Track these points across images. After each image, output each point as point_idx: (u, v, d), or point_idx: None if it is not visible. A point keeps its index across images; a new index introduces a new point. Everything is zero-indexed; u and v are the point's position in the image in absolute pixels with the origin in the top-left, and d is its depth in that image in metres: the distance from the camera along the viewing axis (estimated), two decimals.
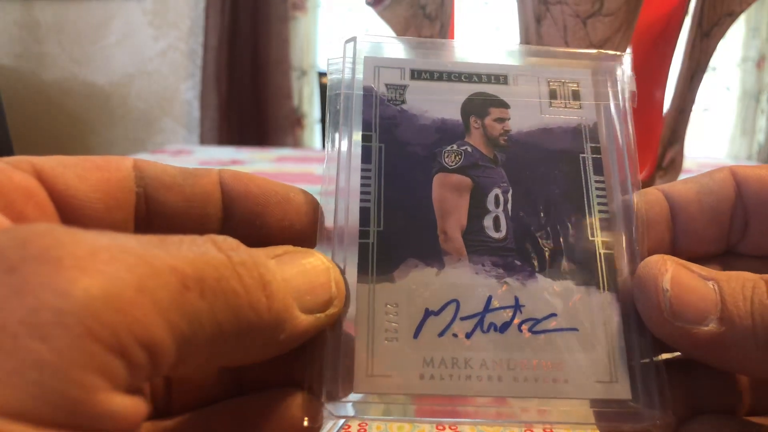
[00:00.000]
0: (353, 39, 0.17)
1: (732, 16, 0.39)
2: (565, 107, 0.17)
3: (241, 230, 0.15)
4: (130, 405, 0.10)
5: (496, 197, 0.16)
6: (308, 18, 1.87)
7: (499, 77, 0.17)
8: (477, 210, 0.16)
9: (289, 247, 0.14)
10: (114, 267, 0.10)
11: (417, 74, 0.17)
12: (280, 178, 0.90)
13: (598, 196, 0.16)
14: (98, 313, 0.09)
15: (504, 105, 0.17)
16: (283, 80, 1.87)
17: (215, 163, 0.91)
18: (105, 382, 0.09)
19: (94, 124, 2.01)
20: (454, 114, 0.17)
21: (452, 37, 0.49)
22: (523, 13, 0.37)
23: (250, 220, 0.15)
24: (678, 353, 0.16)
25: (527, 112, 0.17)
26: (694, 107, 0.42)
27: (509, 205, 0.16)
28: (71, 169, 0.14)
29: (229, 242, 0.12)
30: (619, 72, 0.18)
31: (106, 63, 1.96)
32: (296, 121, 1.93)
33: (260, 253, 0.12)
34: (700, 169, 0.79)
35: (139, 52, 1.96)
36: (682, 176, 0.44)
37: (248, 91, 1.88)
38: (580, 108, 0.17)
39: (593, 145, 0.17)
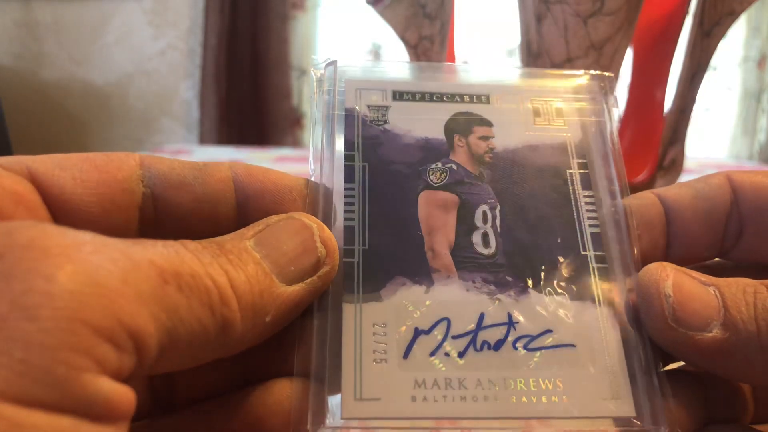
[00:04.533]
0: (333, 63, 0.17)
1: (733, 16, 0.38)
2: (550, 125, 0.17)
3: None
4: (118, 391, 0.10)
5: (484, 213, 0.15)
6: (308, 17, 1.87)
7: (481, 97, 0.17)
8: (465, 227, 0.15)
9: (271, 218, 0.14)
10: (99, 258, 0.10)
11: (399, 95, 0.17)
12: None
13: (587, 210, 0.16)
14: (86, 298, 0.09)
15: (487, 123, 0.17)
16: (283, 80, 1.87)
17: None
18: (93, 364, 0.09)
19: (93, 123, 2.00)
20: (437, 133, 0.16)
21: (452, 36, 0.49)
22: (524, 12, 0.37)
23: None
24: (681, 363, 0.15)
25: (511, 130, 0.17)
26: (695, 107, 0.42)
27: (498, 221, 0.15)
28: (68, 171, 0.13)
29: (194, 245, 0.12)
30: (602, 91, 0.17)
31: (105, 62, 1.96)
32: (296, 120, 1.93)
33: (234, 239, 0.12)
34: (701, 169, 0.79)
35: (138, 52, 1.95)
36: (683, 176, 0.44)
37: (248, 90, 1.88)
38: (564, 125, 0.17)
39: (580, 160, 0.16)
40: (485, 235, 0.15)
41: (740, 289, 0.13)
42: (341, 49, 1.94)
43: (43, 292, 0.09)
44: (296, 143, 1.93)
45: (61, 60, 1.96)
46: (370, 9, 0.40)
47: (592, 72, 0.17)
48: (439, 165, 0.16)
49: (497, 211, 0.16)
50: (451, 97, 0.17)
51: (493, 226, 0.15)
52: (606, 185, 0.16)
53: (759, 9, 1.66)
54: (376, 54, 1.92)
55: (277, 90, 1.89)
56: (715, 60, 0.42)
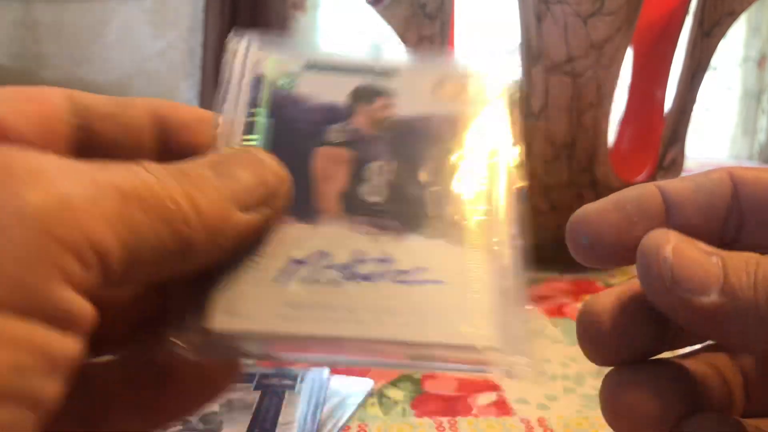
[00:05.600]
0: (245, 35, 0.18)
1: (733, 16, 0.39)
2: (450, 101, 0.18)
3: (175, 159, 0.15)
4: (81, 304, 0.10)
5: (377, 168, 0.16)
6: (308, 18, 1.87)
7: (389, 71, 0.18)
8: (357, 179, 0.16)
9: (227, 150, 0.15)
10: (64, 179, 0.11)
11: (309, 66, 0.18)
12: None
13: (474, 170, 0.17)
14: (55, 215, 0.10)
15: (391, 94, 0.18)
16: None
17: None
18: (60, 274, 0.10)
19: None
20: (341, 100, 0.17)
21: (452, 36, 0.49)
22: (524, 12, 0.37)
23: (184, 150, 0.15)
24: (678, 352, 0.16)
25: (413, 102, 0.18)
26: (695, 107, 0.42)
27: (389, 176, 0.16)
28: (7, 104, 0.14)
29: (155, 166, 0.12)
30: (502, 75, 0.19)
31: (105, 62, 1.96)
32: None
33: (193, 165, 0.13)
34: (701, 169, 0.79)
35: (138, 52, 1.95)
36: (682, 176, 0.44)
37: None
38: (464, 103, 0.18)
39: (474, 133, 0.18)
40: (375, 186, 0.16)
41: (743, 260, 0.13)
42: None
43: (14, 209, 0.10)
44: None
45: (61, 60, 1.96)
46: (370, 9, 0.40)
47: (497, 58, 0.19)
48: (339, 126, 0.17)
49: (389, 167, 0.16)
50: (359, 70, 0.18)
51: (385, 179, 0.16)
52: (499, 159, 0.17)
53: (759, 9, 1.66)
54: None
55: None
56: (715, 60, 0.42)
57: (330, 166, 0.16)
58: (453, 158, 0.17)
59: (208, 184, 0.13)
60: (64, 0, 1.94)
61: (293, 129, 0.17)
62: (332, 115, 0.17)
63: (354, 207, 0.16)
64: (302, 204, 0.15)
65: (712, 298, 0.12)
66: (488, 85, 0.18)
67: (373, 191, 0.16)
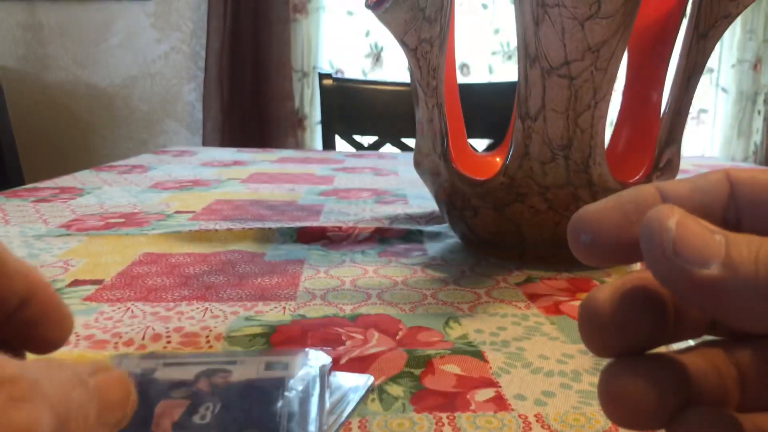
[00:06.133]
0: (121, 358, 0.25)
1: (728, 18, 0.39)
2: (275, 377, 0.24)
3: (21, 332, 0.16)
4: None
5: (206, 405, 0.22)
6: (309, 20, 1.88)
7: (231, 361, 0.25)
8: (189, 413, 0.21)
9: (101, 371, 0.16)
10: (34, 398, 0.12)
11: (166, 364, 0.25)
12: (281, 178, 0.89)
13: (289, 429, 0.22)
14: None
15: (229, 371, 0.24)
16: (285, 82, 1.88)
17: (217, 164, 0.91)
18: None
19: (96, 125, 2.01)
20: (188, 377, 0.24)
21: (452, 39, 0.49)
22: (521, 15, 0.38)
23: (34, 330, 0.16)
24: (674, 347, 0.16)
25: (244, 373, 0.24)
26: (691, 109, 0.42)
27: (216, 414, 0.22)
28: None
29: (76, 392, 0.14)
30: (318, 365, 0.25)
31: (109, 65, 1.97)
32: (297, 122, 1.94)
33: (84, 382, 0.14)
34: (696, 171, 0.79)
35: (141, 54, 1.96)
36: (678, 177, 0.45)
37: (250, 92, 1.88)
38: (284, 372, 0.25)
39: (295, 391, 0.23)
40: (203, 416, 0.22)
41: (745, 238, 0.13)
42: (342, 52, 1.94)
43: None
44: (298, 144, 1.94)
45: (65, 62, 1.97)
46: (370, 13, 0.41)
47: (313, 354, 0.26)
48: (184, 389, 0.23)
49: (217, 408, 0.22)
50: (209, 362, 0.25)
51: (211, 412, 0.22)
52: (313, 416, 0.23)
53: (754, 11, 1.67)
54: (377, 57, 1.93)
55: (279, 92, 1.90)
56: (711, 62, 0.42)
57: (169, 408, 0.22)
58: (272, 413, 0.22)
59: (90, 404, 0.14)
60: (69, 2, 1.95)
61: (145, 389, 0.22)
62: (179, 386, 0.23)
63: (183, 427, 0.21)
64: (143, 426, 0.21)
65: (713, 270, 0.13)
66: (303, 369, 0.25)
67: (201, 417, 0.22)
